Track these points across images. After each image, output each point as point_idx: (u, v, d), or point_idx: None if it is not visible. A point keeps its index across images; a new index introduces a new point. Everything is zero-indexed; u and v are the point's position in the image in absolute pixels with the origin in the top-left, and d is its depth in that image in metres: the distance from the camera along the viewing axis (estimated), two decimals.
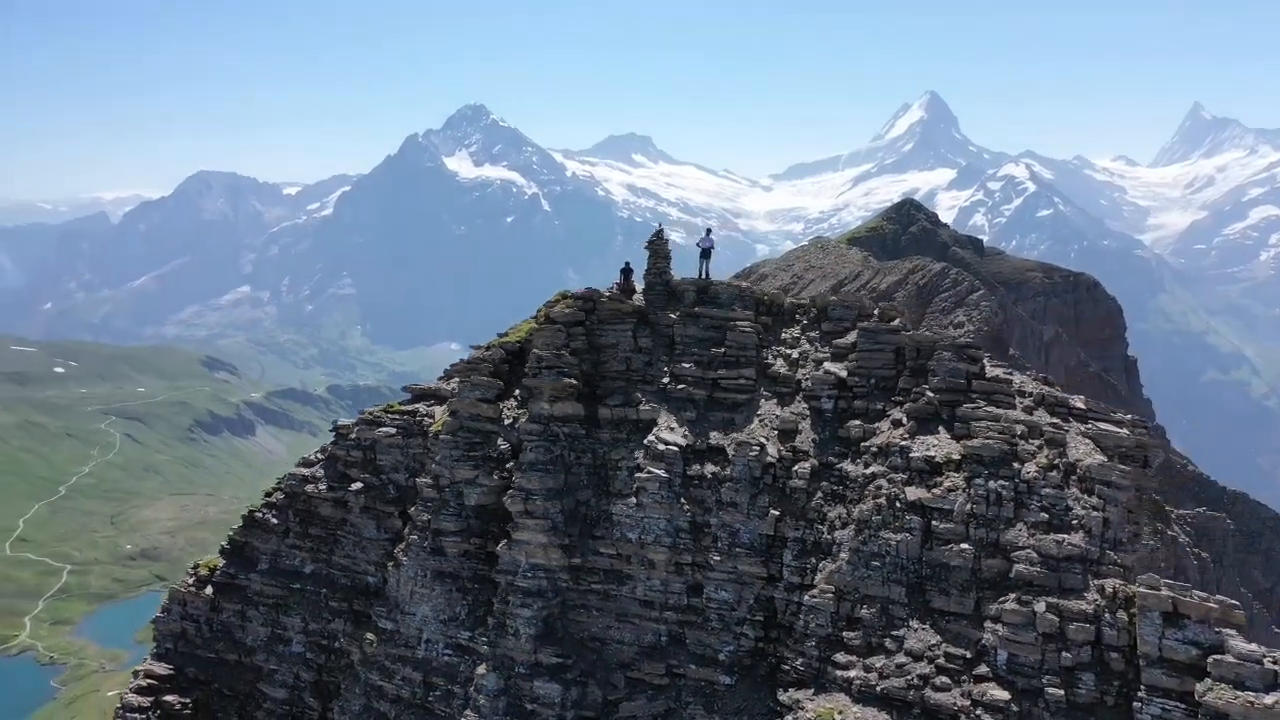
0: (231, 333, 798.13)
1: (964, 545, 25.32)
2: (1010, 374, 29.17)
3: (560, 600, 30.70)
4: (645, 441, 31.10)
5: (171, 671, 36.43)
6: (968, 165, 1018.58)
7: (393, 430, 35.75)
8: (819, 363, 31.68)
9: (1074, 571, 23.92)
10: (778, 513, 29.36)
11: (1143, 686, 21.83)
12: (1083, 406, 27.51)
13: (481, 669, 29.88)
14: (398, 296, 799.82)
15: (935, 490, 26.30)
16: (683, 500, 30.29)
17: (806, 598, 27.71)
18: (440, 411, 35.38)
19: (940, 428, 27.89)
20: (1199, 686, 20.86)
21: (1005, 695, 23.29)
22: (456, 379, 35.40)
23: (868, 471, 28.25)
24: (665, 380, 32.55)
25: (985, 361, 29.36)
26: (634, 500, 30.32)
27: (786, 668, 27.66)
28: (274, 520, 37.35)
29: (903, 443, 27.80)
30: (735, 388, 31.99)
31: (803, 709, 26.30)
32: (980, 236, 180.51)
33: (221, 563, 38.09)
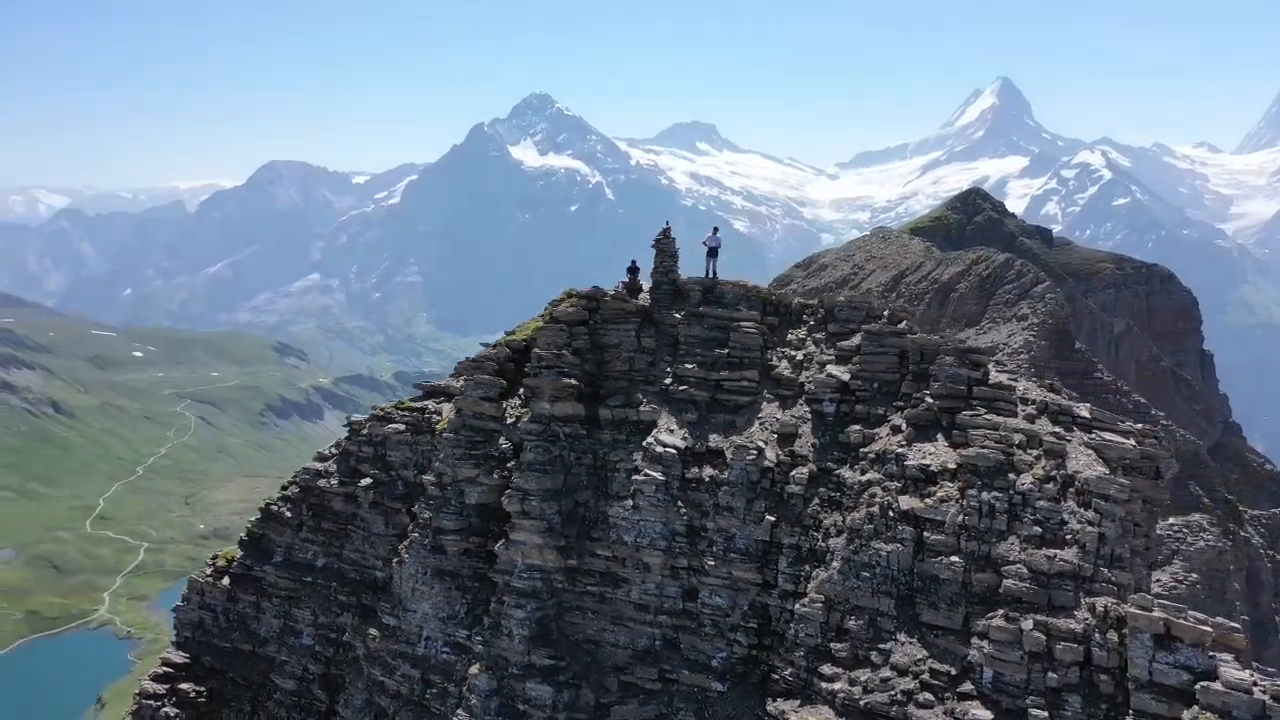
0: (302, 319, 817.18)
1: (954, 558, 24.57)
2: (1015, 380, 28.16)
3: (556, 602, 30.67)
4: (644, 443, 30.84)
5: (188, 660, 37.40)
6: (1041, 153, 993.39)
7: (402, 427, 36.09)
8: (823, 365, 31.03)
9: (1065, 588, 23.05)
10: (773, 518, 28.87)
11: (1131, 711, 20.97)
12: (1087, 415, 26.43)
13: (474, 669, 30.04)
14: (463, 284, 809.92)
15: (929, 500, 25.57)
16: (680, 504, 29.97)
17: (797, 606, 27.22)
18: (448, 409, 35.57)
19: (939, 435, 27.11)
20: (1185, 714, 19.98)
21: (988, 715, 22.55)
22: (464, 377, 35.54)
23: (864, 478, 27.59)
24: (668, 381, 32.21)
25: (990, 367, 28.40)
26: (630, 503, 30.10)
27: (776, 677, 27.21)
28: (288, 514, 38.04)
29: (899, 450, 27.10)
30: (738, 389, 31.52)
31: None
32: (1052, 226, 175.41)
33: (239, 554, 38.94)
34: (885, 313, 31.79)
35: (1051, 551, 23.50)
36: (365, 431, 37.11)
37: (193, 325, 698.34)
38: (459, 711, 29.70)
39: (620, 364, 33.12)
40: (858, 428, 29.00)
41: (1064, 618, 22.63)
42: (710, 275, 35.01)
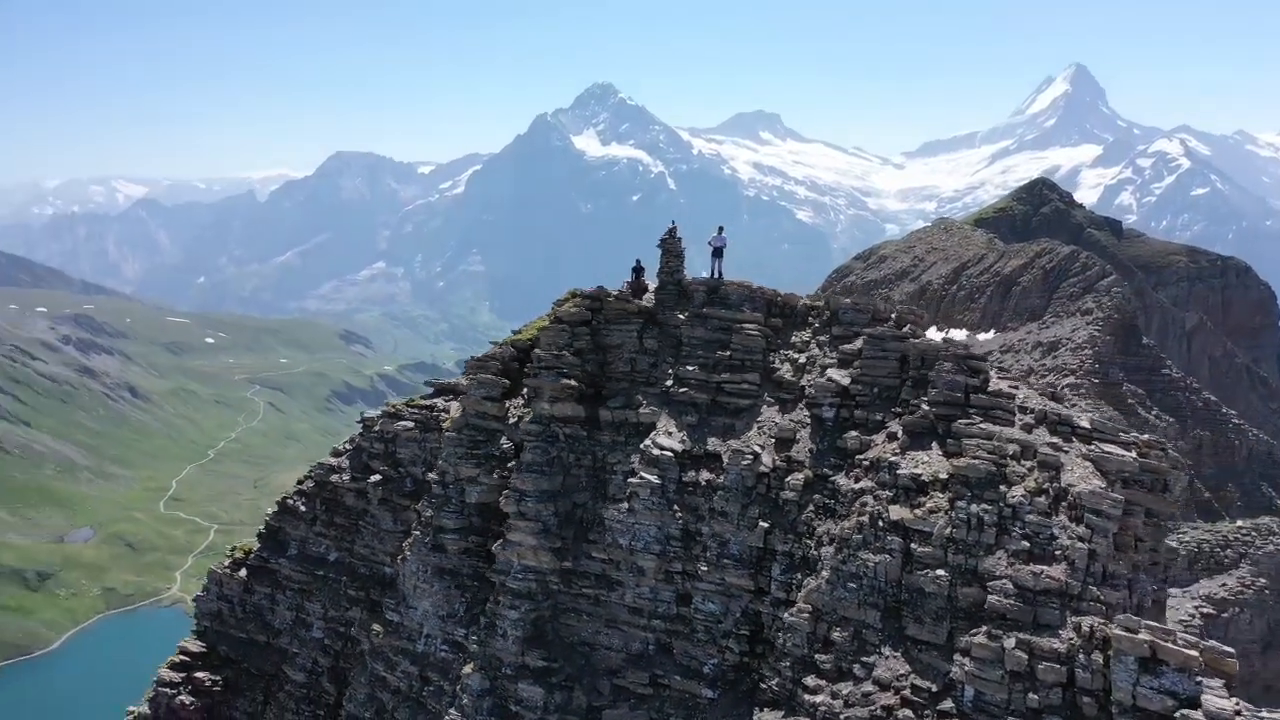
0: (367, 307, 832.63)
1: (939, 571, 23.93)
2: (1016, 388, 27.30)
3: (552, 603, 30.68)
4: (641, 446, 30.66)
5: (205, 649, 38.38)
6: (1115, 141, 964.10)
7: (411, 424, 36.44)
8: (825, 369, 30.47)
9: (1051, 606, 22.28)
10: (767, 525, 28.47)
11: None
12: (1087, 426, 25.46)
13: (468, 668, 30.23)
14: (525, 273, 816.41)
15: (918, 511, 24.95)
16: (675, 507, 29.74)
17: (786, 615, 26.82)
18: (455, 407, 35.79)
19: (934, 443, 26.41)
20: None
21: None
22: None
23: (857, 486, 27.04)
24: (669, 383, 31.95)
25: (992, 374, 27.59)
26: (626, 505, 29.95)
27: (764, 686, 26.89)
28: (303, 508, 38.72)
29: (892, 458, 26.47)
30: (739, 392, 31.13)
31: None
32: (1126, 217, 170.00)
33: (257, 546, 39.77)
34: (892, 315, 31.12)
35: (1038, 568, 22.73)
36: (377, 428, 37.57)
37: (263, 312, 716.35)
38: (450, 710, 29.94)
39: (622, 365, 32.97)
40: (855, 434, 28.42)
41: (1048, 637, 21.87)
42: (715, 275, 34.62)
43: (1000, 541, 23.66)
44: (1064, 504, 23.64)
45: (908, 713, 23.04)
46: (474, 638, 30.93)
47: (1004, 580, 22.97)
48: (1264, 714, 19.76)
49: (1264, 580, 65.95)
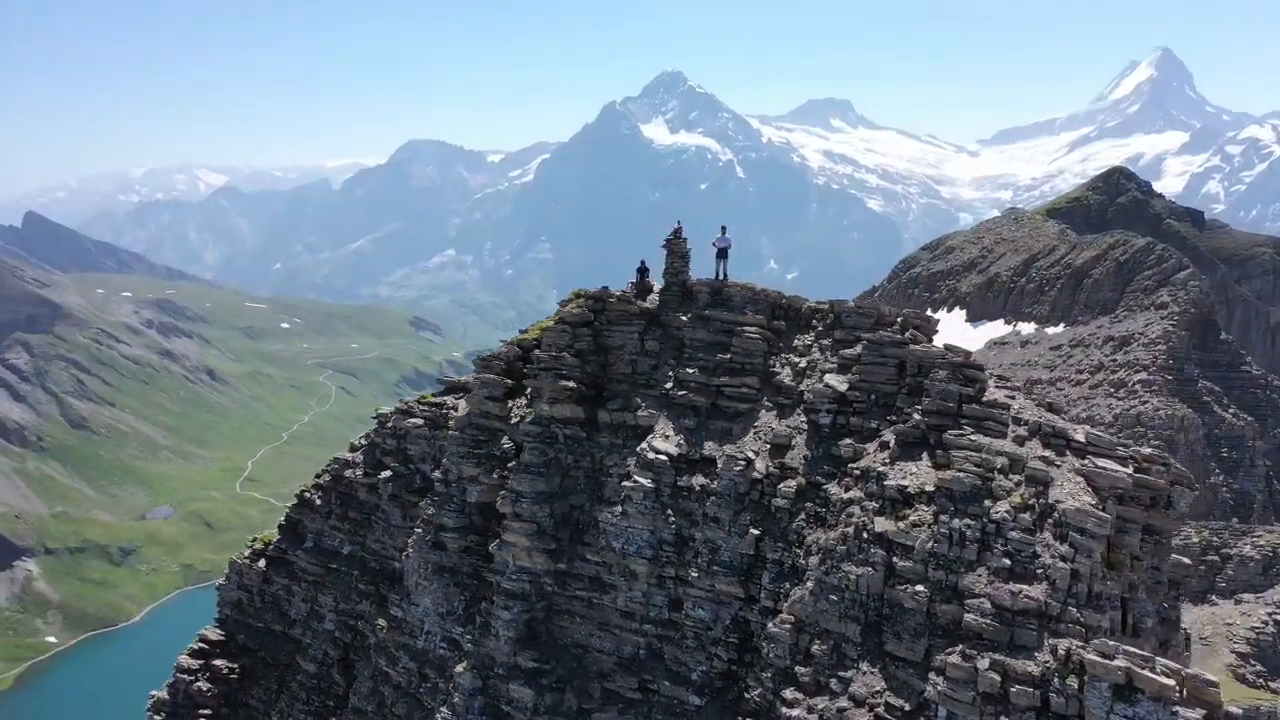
0: (437, 294, 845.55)
1: (919, 587, 23.33)
2: (1012, 398, 26.40)
3: (546, 605, 30.79)
4: (638, 449, 30.53)
5: (223, 638, 39.49)
6: (1203, 127, 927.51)
7: (421, 421, 36.86)
8: (825, 374, 29.92)
9: (1029, 627, 21.56)
10: (758, 532, 28.11)
11: None
12: (1081, 440, 24.47)
13: (460, 667, 30.54)
14: (593, 262, 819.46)
15: (901, 524, 24.37)
16: (669, 512, 29.55)
17: (769, 625, 26.48)
18: (463, 405, 36.08)
19: (924, 454, 25.73)
20: None
21: None
22: None
23: (846, 496, 26.49)
24: (669, 385, 31.72)
25: (990, 383, 26.75)
26: (620, 509, 29.88)
27: (748, 696, 26.60)
28: (319, 501, 39.51)
29: (880, 468, 25.89)
30: (738, 396, 30.76)
31: None
32: (1213, 207, 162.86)
33: (276, 537, 40.73)
34: (897, 320, 30.38)
35: (1017, 587, 21.99)
36: (390, 424, 38.11)
37: (336, 298, 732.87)
38: (442, 709, 30.29)
39: (624, 366, 32.84)
40: (849, 441, 27.84)
41: (1023, 659, 21.18)
42: (720, 277, 34.20)
43: (982, 558, 22.97)
44: (1050, 521, 22.85)
45: None
46: (468, 636, 31.22)
47: (982, 599, 22.31)
48: None
49: None
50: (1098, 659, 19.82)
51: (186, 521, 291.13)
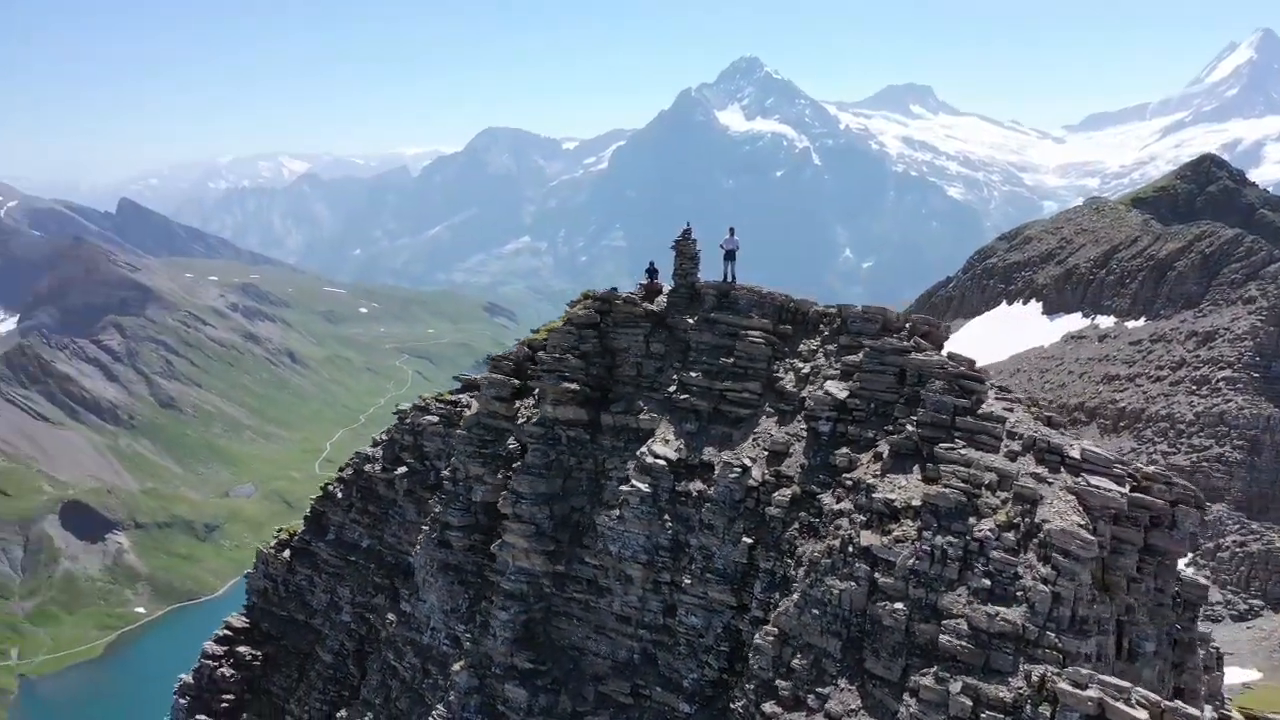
0: (512, 280, 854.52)
1: (898, 605, 22.75)
2: (1010, 410, 25.49)
3: (544, 606, 30.94)
4: (638, 453, 30.41)
5: (248, 625, 40.69)
6: None
7: (436, 419, 37.29)
8: (828, 380, 29.34)
9: (1004, 651, 20.87)
10: (751, 541, 27.77)
11: None
12: (1077, 456, 23.54)
13: (457, 665, 30.91)
14: (666, 249, 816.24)
15: (886, 538, 23.80)
16: (666, 517, 29.39)
17: (755, 636, 26.17)
18: (473, 404, 36.41)
19: (916, 467, 25.06)
20: None
21: None
22: None
23: (838, 507, 25.99)
24: (672, 388, 31.49)
25: (989, 395, 25.90)
26: (617, 512, 29.82)
27: (733, 707, 26.36)
28: (340, 495, 40.35)
29: (870, 480, 25.31)
30: (739, 401, 30.38)
31: None
32: None
33: (302, 528, 41.76)
34: (905, 325, 29.62)
35: (995, 609, 21.29)
36: (408, 421, 38.67)
37: (413, 284, 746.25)
38: (438, 707, 30.70)
39: (629, 369, 32.70)
40: (845, 451, 27.25)
41: (997, 684, 20.52)
42: (728, 279, 33.79)
43: (963, 577, 22.27)
44: (1035, 541, 22.07)
45: None
46: (469, 634, 31.56)
47: (960, 619, 21.65)
48: None
49: None
50: (1069, 688, 19.13)
51: (267, 500, 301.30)
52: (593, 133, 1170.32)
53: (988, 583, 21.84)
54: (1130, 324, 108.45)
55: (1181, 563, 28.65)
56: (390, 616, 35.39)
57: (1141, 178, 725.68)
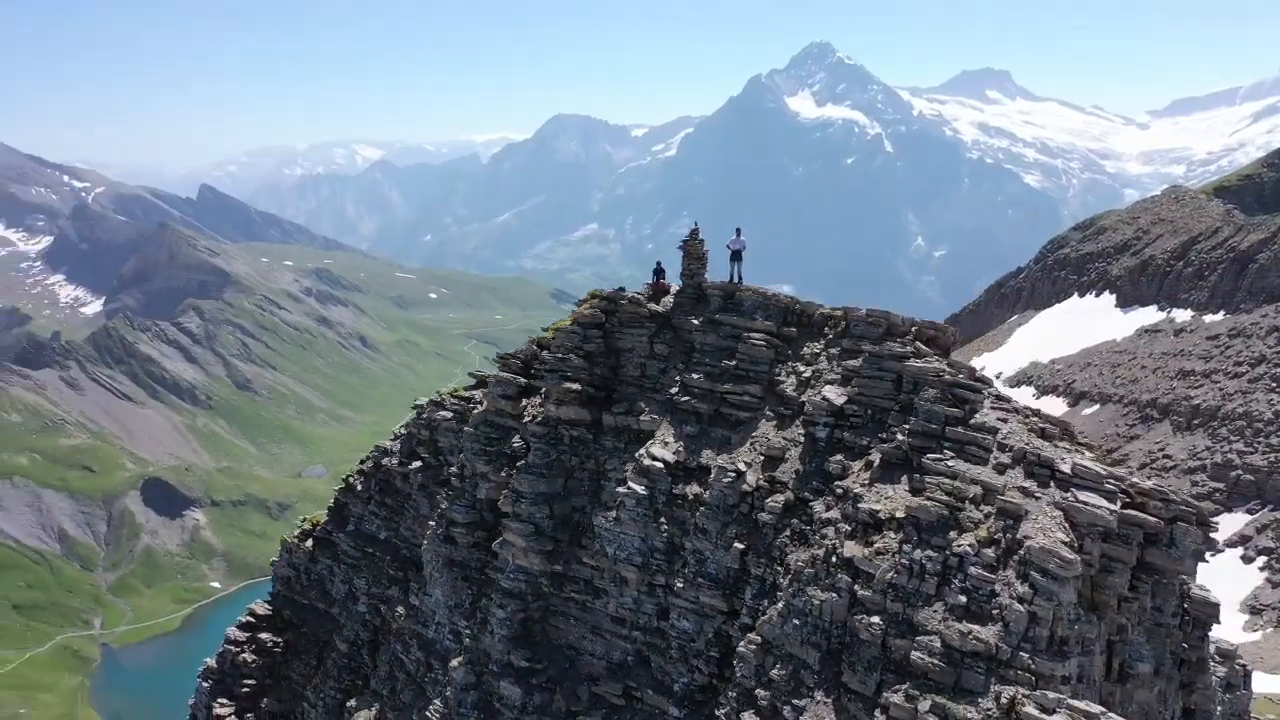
0: (579, 267, 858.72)
1: (875, 618, 22.33)
2: (1004, 420, 24.73)
3: (542, 605, 31.12)
4: (636, 455, 30.35)
5: (270, 612, 41.79)
6: None
7: (450, 414, 37.67)
8: (827, 385, 28.86)
9: (976, 670, 20.33)
10: (743, 546, 27.50)
11: None
12: (1068, 471, 22.74)
13: (455, 661, 31.30)
14: (721, 243, 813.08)
15: (868, 550, 23.36)
16: (663, 520, 29.28)
17: (740, 644, 25.95)
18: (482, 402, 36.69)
19: (904, 477, 24.54)
20: None
21: None
22: None
23: (827, 515, 25.59)
24: (674, 390, 31.31)
25: (985, 404, 25.17)
26: (613, 514, 29.83)
27: (718, 714, 26.22)
28: (360, 487, 41.13)
29: (858, 489, 24.86)
30: (740, 404, 30.05)
31: None
32: None
33: (325, 518, 42.69)
34: (911, 329, 28.96)
35: (968, 626, 20.75)
36: (425, 415, 39.18)
37: (482, 270, 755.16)
38: (435, 701, 31.15)
39: (633, 369, 32.59)
40: (839, 458, 26.80)
41: (966, 704, 20.02)
42: (734, 280, 33.42)
43: (940, 593, 21.75)
44: (1015, 558, 21.43)
45: None
46: (469, 631, 31.95)
47: (934, 636, 21.17)
48: None
49: None
50: (1034, 712, 18.61)
51: (338, 482, 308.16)
52: (661, 119, 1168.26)
53: (964, 599, 21.32)
54: (1208, 318, 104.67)
55: (1204, 576, 27.60)
56: (400, 609, 36.02)
57: (1230, 165, 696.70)
